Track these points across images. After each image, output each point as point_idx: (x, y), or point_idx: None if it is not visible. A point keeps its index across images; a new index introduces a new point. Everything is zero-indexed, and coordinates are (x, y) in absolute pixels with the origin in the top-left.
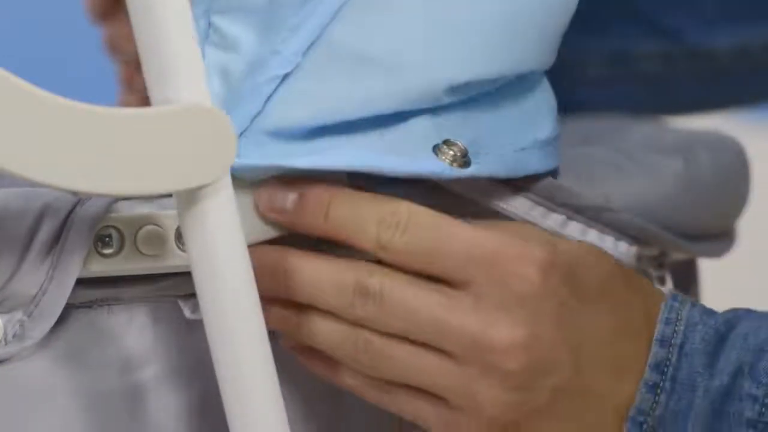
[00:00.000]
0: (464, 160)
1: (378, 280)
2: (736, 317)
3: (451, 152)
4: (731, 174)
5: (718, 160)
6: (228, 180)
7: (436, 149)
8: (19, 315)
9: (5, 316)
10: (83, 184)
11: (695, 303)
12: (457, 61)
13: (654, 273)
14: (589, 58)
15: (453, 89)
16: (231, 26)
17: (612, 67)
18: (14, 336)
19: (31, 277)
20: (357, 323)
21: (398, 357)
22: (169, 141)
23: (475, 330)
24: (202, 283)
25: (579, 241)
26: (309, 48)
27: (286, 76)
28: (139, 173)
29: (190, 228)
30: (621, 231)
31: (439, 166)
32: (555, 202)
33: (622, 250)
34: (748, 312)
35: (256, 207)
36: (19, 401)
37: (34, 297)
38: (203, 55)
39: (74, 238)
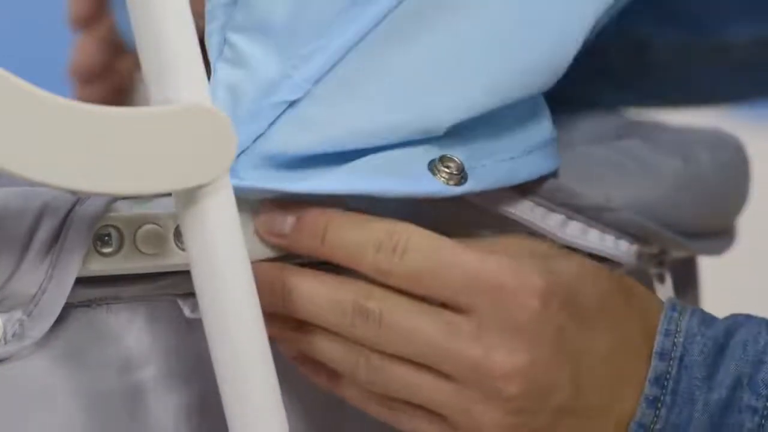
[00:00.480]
0: (460, 177)
1: (376, 303)
2: (734, 325)
3: (447, 170)
4: (731, 172)
5: (718, 159)
6: (227, 180)
7: (432, 166)
8: (18, 314)
9: (5, 315)
10: (83, 183)
11: (694, 311)
12: (461, 100)
13: (653, 271)
14: (608, 48)
15: (450, 123)
16: (247, 45)
17: (631, 57)
18: (14, 335)
19: (30, 277)
20: (357, 342)
21: (398, 376)
22: (168, 141)
23: (475, 355)
24: (201, 283)
25: (578, 259)
26: (320, 78)
27: (293, 103)
28: (138, 173)
29: (189, 228)
30: (621, 230)
31: (436, 186)
32: (555, 202)
33: (623, 248)
34: (748, 318)
35: (256, 229)
36: (19, 401)
37: (34, 296)
38: (214, 71)
39: (73, 237)
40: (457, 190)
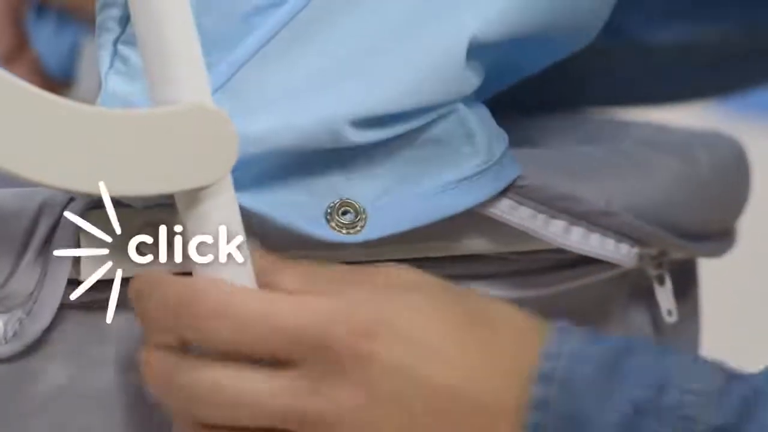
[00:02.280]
0: (356, 226)
1: (187, 375)
2: (627, 348)
3: (343, 220)
4: (730, 174)
5: (717, 160)
6: (229, 181)
7: (328, 213)
8: (18, 314)
9: (5, 315)
10: (84, 184)
11: (580, 332)
12: (356, 97)
13: (653, 272)
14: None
15: (355, 124)
16: (140, 59)
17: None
18: (14, 334)
19: (28, 275)
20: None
21: None
22: (170, 141)
23: (313, 407)
24: None
25: (425, 292)
26: (217, 89)
27: None
28: (140, 174)
29: (191, 228)
30: (621, 233)
31: (330, 234)
32: (556, 209)
33: (624, 252)
34: (641, 344)
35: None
36: (20, 400)
37: (31, 294)
38: (105, 83)
39: (63, 235)
40: (352, 239)
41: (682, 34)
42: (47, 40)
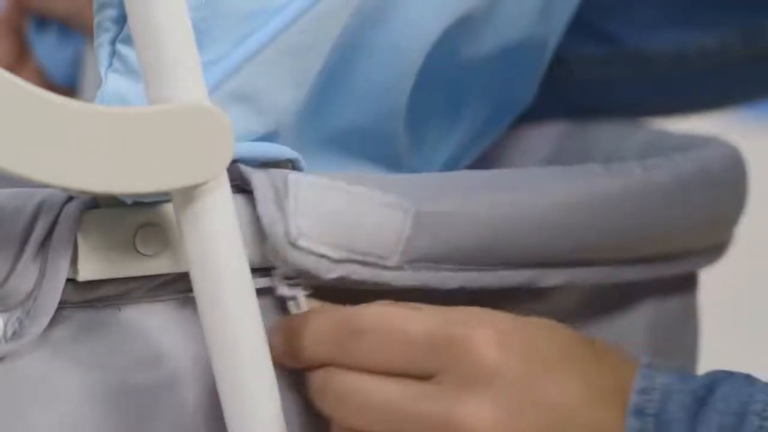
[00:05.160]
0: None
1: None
2: (715, 381)
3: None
4: (712, 186)
5: (691, 173)
6: (225, 178)
7: None
8: (18, 313)
9: (5, 314)
10: (81, 182)
11: (671, 370)
12: None
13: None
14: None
15: None
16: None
17: (550, 72)
18: (14, 334)
19: (27, 274)
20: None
21: None
22: (166, 139)
23: (440, 416)
24: (199, 281)
25: (530, 317)
26: (213, 90)
27: None
28: (137, 172)
29: (187, 227)
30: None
31: None
32: None
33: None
34: (729, 375)
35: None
36: (20, 399)
37: (31, 293)
38: (104, 82)
39: (61, 233)
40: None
41: (678, 42)
42: (49, 50)
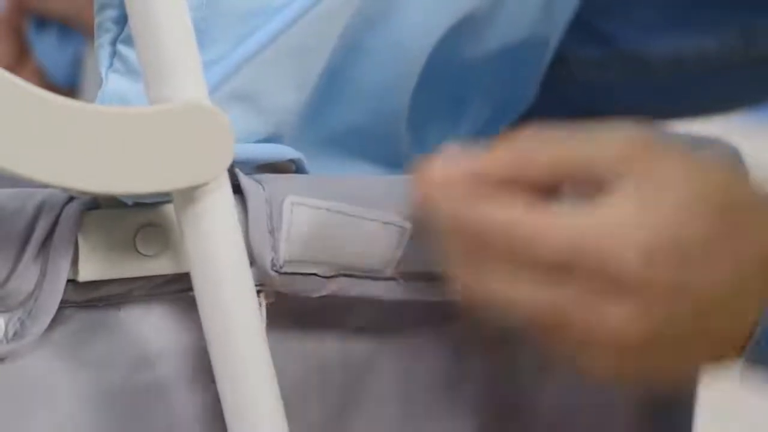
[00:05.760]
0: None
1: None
2: None
3: None
4: None
5: None
6: (226, 179)
7: None
8: (19, 313)
9: (6, 315)
10: (81, 183)
11: None
12: None
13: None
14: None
15: None
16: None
17: (551, 72)
18: (15, 334)
19: (28, 275)
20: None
21: None
22: (167, 140)
23: (584, 321)
24: (200, 282)
25: (680, 190)
26: (214, 89)
27: None
28: (137, 172)
29: (188, 226)
30: None
31: None
32: None
33: None
34: None
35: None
36: (21, 399)
37: (32, 293)
38: (105, 82)
39: (62, 233)
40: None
41: (677, 44)
42: (50, 51)
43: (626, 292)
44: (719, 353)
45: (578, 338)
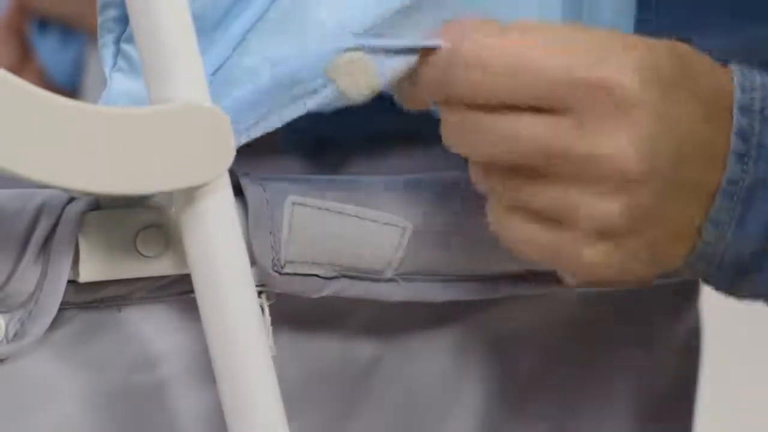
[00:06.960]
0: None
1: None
2: None
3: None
4: None
5: None
6: (227, 179)
7: None
8: (20, 314)
9: (6, 315)
10: (82, 183)
11: (761, 70)
12: None
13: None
14: None
15: None
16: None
17: None
18: (15, 335)
19: (28, 276)
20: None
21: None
22: (167, 140)
23: (582, 148)
24: (200, 283)
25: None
26: (215, 71)
27: None
28: (138, 172)
29: (188, 227)
30: None
31: None
32: None
33: None
34: None
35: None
36: (22, 400)
37: (32, 294)
38: (109, 81)
39: (63, 233)
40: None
41: None
42: (51, 52)
43: (620, 114)
44: (697, 213)
45: (578, 172)
